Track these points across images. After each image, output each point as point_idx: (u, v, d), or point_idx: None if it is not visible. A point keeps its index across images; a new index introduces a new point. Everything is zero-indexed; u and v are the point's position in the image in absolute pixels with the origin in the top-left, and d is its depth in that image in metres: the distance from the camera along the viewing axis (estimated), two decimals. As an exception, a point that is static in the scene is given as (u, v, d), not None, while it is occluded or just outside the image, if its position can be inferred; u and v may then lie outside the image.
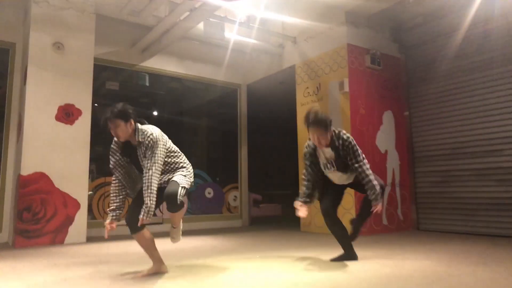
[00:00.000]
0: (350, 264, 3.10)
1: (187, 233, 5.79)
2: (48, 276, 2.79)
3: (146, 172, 2.61)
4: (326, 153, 3.22)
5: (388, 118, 5.82)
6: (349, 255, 3.28)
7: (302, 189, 3.35)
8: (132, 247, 4.30)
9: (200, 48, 6.83)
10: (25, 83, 4.82)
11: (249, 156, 7.35)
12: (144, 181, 2.61)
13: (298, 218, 6.08)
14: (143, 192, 2.58)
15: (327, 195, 3.40)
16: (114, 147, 2.83)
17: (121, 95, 6.36)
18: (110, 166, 2.83)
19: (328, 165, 3.25)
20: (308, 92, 6.03)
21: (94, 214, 5.58)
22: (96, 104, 6.14)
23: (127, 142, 2.80)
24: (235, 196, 7.13)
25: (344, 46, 5.52)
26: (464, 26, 5.35)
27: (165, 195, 2.63)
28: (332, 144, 3.13)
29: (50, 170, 4.75)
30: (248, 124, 7.43)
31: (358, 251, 3.61)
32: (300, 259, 3.41)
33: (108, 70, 6.12)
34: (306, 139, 5.93)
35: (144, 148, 2.70)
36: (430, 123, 5.75)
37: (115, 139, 2.80)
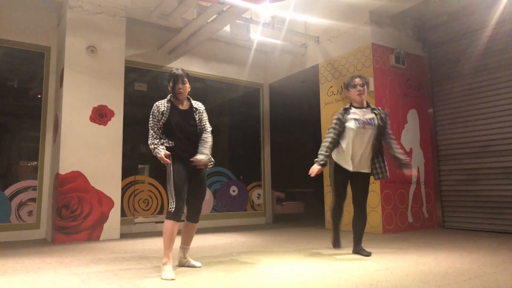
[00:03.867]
0: (383, 261, 3.18)
1: (213, 230, 5.94)
2: (98, 269, 2.95)
3: (208, 134, 3.14)
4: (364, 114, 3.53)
5: (412, 116, 5.85)
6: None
7: (324, 152, 3.50)
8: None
9: (224, 49, 6.96)
10: (61, 86, 5.03)
11: (272, 154, 7.46)
12: (207, 140, 3.10)
13: (322, 216, 6.19)
14: (204, 147, 3.05)
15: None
16: (162, 108, 3.04)
17: (149, 96, 6.54)
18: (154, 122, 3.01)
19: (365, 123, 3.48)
20: (332, 91, 6.10)
21: (125, 212, 5.78)
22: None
23: (174, 106, 3.08)
24: (259, 194, 7.25)
25: (368, 46, 5.57)
26: (491, 24, 5.35)
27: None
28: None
29: (86, 169, 4.95)
30: (271, 122, 7.54)
31: (386, 248, 3.70)
32: (335, 255, 3.50)
33: (136, 72, 6.30)
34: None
35: (199, 114, 3.13)
36: (455, 121, 5.75)
37: (163, 102, 3.07)
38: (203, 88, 7.11)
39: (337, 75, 6.04)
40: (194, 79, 6.88)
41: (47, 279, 2.67)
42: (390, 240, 4.42)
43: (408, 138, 5.73)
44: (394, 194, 5.39)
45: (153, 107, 3.04)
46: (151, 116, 3.00)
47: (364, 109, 3.57)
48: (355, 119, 3.48)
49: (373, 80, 5.47)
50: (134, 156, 6.22)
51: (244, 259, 3.36)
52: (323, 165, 3.45)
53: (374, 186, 5.29)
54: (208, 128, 3.19)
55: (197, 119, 3.11)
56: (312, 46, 6.56)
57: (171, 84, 3.09)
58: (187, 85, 3.12)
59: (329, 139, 3.53)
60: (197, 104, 3.20)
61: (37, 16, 5.43)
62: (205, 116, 3.19)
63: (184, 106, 3.14)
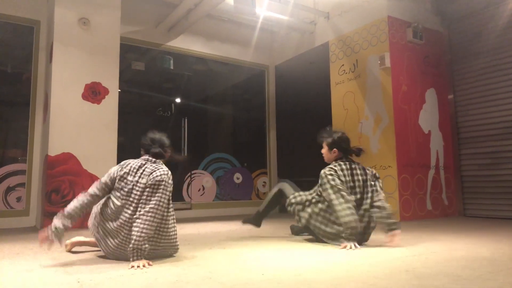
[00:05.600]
0: (411, 248, 2.78)
1: (216, 219, 5.56)
2: (84, 256, 2.57)
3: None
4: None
5: (431, 96, 5.41)
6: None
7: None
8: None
9: (227, 27, 6.54)
10: (51, 61, 4.62)
11: (278, 141, 7.05)
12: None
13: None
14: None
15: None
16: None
17: (147, 78, 6.14)
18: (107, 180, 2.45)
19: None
20: (344, 70, 5.67)
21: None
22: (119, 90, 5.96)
23: None
24: (264, 182, 6.85)
25: (384, 19, 5.13)
26: (518, -6, 4.91)
27: None
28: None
29: (78, 151, 4.56)
30: (277, 107, 7.12)
31: (410, 235, 3.29)
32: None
33: (134, 50, 5.89)
34: (341, 121, 5.63)
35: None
36: (477, 101, 5.32)
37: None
38: (205, 71, 6.70)
39: (349, 52, 5.60)
40: (195, 59, 6.48)
41: (21, 265, 2.28)
42: (411, 227, 4.01)
43: (427, 119, 5.30)
44: (412, 179, 4.97)
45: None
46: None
47: None
48: None
49: (389, 56, 5.04)
50: (132, 140, 5.82)
51: (252, 245, 2.97)
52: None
53: (391, 170, 4.88)
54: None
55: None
56: (321, 23, 6.13)
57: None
58: None
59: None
60: None
61: (26, -13, 5.02)
62: None
63: None
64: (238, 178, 6.58)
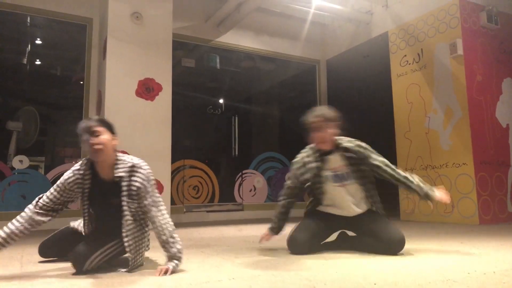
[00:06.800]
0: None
1: (271, 220, 5.26)
2: (155, 257, 2.35)
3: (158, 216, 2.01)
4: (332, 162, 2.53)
5: (508, 86, 4.89)
6: None
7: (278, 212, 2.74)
8: (224, 232, 3.85)
9: (277, 20, 6.27)
10: (104, 58, 4.53)
11: (330, 138, 6.68)
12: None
13: (396, 205, 5.35)
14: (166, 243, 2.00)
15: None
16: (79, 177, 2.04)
17: (194, 75, 5.99)
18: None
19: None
20: (407, 61, 5.24)
21: (174, 200, 5.22)
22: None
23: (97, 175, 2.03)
24: (317, 183, 6.50)
25: (455, 2, 4.67)
26: None
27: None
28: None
29: (132, 149, 4.39)
30: (329, 104, 6.76)
31: (494, 241, 2.86)
32: (449, 251, 2.71)
33: (182, 47, 5.74)
34: (405, 116, 5.20)
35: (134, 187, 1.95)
36: (562, 91, 4.75)
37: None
38: (254, 68, 6.46)
39: (412, 42, 5.17)
40: (244, 55, 6.26)
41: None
42: (501, 232, 3.54)
43: (504, 112, 4.78)
44: (490, 178, 4.47)
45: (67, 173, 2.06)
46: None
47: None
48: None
49: (462, 42, 4.58)
50: (185, 137, 5.66)
51: (334, 247, 2.65)
52: None
53: (466, 168, 4.41)
54: (154, 208, 1.97)
55: (125, 193, 1.95)
56: (379, 12, 5.73)
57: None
58: (105, 136, 2.02)
59: None
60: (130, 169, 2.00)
61: (78, -15, 4.99)
62: (149, 187, 1.98)
63: (107, 173, 2.02)
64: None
